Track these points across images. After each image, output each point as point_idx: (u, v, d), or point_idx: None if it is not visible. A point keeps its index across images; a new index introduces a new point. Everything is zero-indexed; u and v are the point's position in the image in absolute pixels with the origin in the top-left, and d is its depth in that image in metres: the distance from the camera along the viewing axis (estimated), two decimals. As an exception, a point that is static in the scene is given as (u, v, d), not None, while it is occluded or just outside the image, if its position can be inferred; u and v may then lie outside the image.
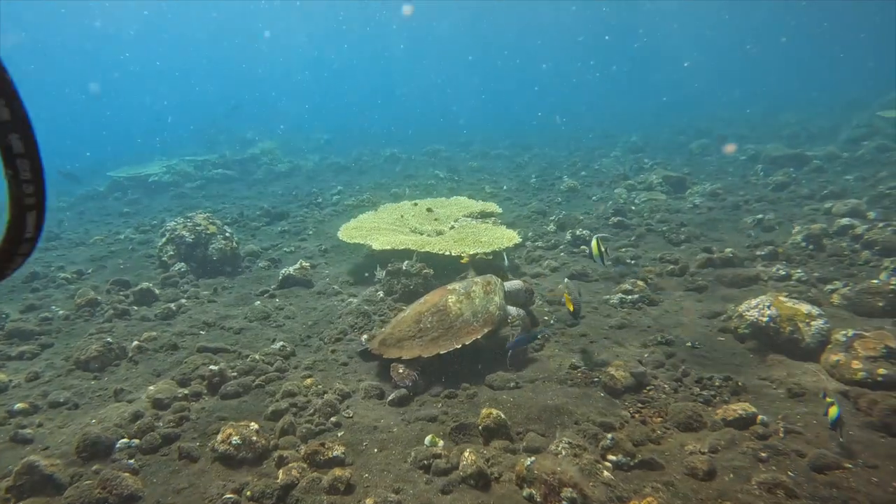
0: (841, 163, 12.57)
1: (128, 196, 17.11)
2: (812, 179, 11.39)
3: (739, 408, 3.95)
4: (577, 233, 8.27)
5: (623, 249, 7.82)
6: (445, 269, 7.02)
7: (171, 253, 8.30)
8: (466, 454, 3.58)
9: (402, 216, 8.71)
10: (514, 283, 5.70)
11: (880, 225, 7.13)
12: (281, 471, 3.67)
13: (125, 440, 4.16)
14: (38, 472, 3.67)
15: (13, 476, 3.66)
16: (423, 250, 7.05)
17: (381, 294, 6.80)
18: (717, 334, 5.31)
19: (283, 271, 7.53)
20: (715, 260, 6.85)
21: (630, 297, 6.16)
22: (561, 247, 8.21)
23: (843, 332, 4.55)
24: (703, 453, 3.62)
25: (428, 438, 3.89)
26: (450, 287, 5.28)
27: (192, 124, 31.27)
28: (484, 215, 8.62)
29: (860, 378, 4.21)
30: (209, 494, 3.57)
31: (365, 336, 5.56)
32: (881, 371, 4.16)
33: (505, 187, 13.61)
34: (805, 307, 4.80)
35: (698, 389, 4.41)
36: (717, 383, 4.42)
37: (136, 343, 5.75)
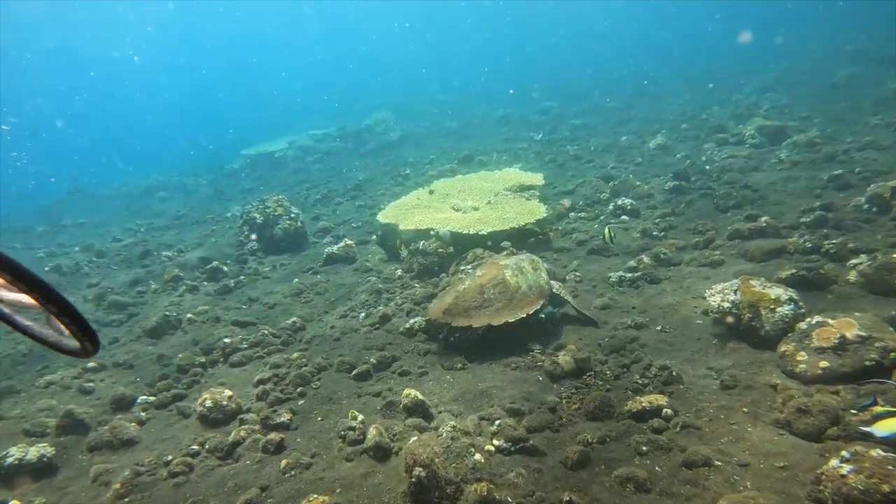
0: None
1: (255, 172, 19.54)
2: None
3: (647, 400, 4.03)
4: (619, 203, 8.12)
5: (656, 220, 7.56)
6: (470, 245, 7.43)
7: (246, 233, 9.75)
8: (371, 429, 4.19)
9: (445, 193, 9.21)
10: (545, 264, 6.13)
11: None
12: (234, 430, 4.61)
13: (145, 397, 5.41)
14: (74, 417, 5.04)
15: (59, 417, 5.07)
16: (445, 228, 7.55)
17: (399, 272, 7.48)
18: (698, 317, 5.19)
19: (326, 250, 8.53)
20: (743, 231, 6.44)
21: (631, 274, 6.13)
22: (601, 218, 8.14)
23: (810, 319, 4.28)
24: (589, 444, 3.83)
25: (350, 412, 4.55)
26: (501, 262, 5.75)
27: (325, 96, 34.20)
28: (524, 188, 8.79)
29: (800, 371, 4.01)
30: (182, 444, 4.64)
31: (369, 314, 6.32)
32: (822, 364, 3.92)
33: (592, 147, 13.31)
34: (774, 292, 4.54)
35: (638, 377, 4.50)
36: (653, 372, 4.46)
37: (189, 316, 7.12)
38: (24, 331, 1.11)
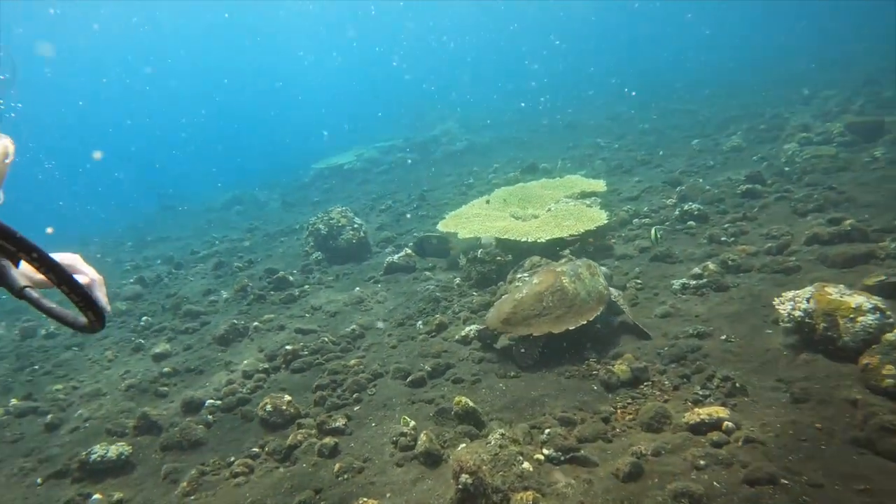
0: None
1: (325, 185, 20.24)
2: None
3: (706, 412, 3.87)
4: (686, 208, 7.84)
5: (725, 226, 7.24)
6: (528, 254, 7.41)
7: (311, 244, 10.13)
8: (422, 435, 4.26)
9: (505, 201, 9.22)
10: (602, 269, 6.05)
11: None
12: (292, 434, 4.80)
13: (212, 400, 5.73)
14: (149, 419, 5.41)
15: (135, 419, 5.46)
16: (503, 237, 7.57)
17: (457, 280, 7.55)
18: (768, 327, 4.93)
19: (387, 259, 8.73)
20: (823, 235, 6.06)
21: (696, 282, 5.91)
22: (666, 223, 7.89)
23: (900, 329, 3.98)
24: (642, 455, 3.72)
25: (402, 418, 4.64)
26: (558, 269, 5.72)
27: (389, 108, 35.05)
28: (585, 195, 8.67)
29: (887, 386, 3.71)
30: (244, 446, 4.88)
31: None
32: (915, 379, 3.62)
33: (661, 152, 12.92)
34: (855, 300, 4.23)
35: (699, 388, 4.33)
36: (715, 383, 4.28)
37: (255, 324, 7.49)
38: (48, 312, 1.24)
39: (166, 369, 6.72)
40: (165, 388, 6.32)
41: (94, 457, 4.98)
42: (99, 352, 7.89)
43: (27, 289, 1.21)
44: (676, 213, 7.95)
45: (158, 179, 31.96)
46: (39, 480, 5.12)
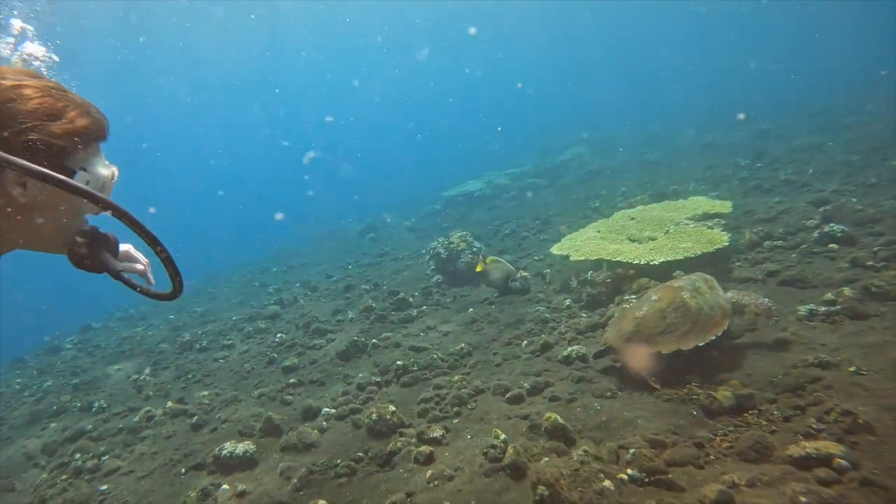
0: None
1: (454, 211, 21.07)
2: None
3: (813, 446, 3.64)
4: (827, 229, 7.24)
5: (876, 249, 6.57)
6: (644, 275, 7.32)
7: (433, 267, 10.72)
8: (510, 448, 4.45)
9: (624, 224, 9.13)
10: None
11: None
12: (393, 441, 5.22)
13: (328, 409, 6.35)
14: (272, 423, 6.14)
15: (262, 422, 6.22)
16: (615, 259, 7.55)
17: (567, 302, 7.62)
18: (914, 360, 4.48)
19: (501, 281, 9.01)
20: None
21: (826, 308, 5.49)
22: (802, 246, 7.34)
23: None
24: (734, 485, 3.60)
25: (494, 431, 4.85)
26: (675, 285, 5.72)
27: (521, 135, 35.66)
28: (708, 216, 8.34)
29: None
30: (351, 451, 5.38)
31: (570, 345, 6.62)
32: None
33: (811, 170, 11.92)
34: None
35: (814, 422, 4.07)
36: (832, 417, 4.00)
37: (373, 341, 8.12)
38: (136, 288, 1.72)
39: (293, 380, 7.53)
40: (290, 397, 7.09)
41: (224, 452, 5.78)
42: (239, 364, 8.98)
43: (122, 272, 1.70)
44: (815, 235, 7.36)
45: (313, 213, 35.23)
46: (183, 471, 6.01)
